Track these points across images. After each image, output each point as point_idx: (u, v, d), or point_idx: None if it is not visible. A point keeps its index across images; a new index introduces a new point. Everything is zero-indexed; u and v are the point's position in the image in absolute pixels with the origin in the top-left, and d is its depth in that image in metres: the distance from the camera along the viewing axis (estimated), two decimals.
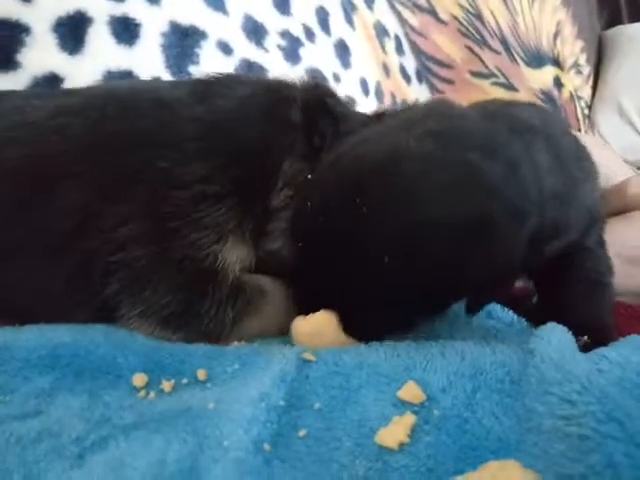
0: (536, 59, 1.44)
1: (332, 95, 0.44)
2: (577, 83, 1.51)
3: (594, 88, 1.60)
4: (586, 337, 0.37)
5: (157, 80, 0.57)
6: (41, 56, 0.54)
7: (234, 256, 0.37)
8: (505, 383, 0.29)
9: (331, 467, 0.26)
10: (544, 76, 1.43)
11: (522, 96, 1.36)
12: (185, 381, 0.32)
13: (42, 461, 0.26)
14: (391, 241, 0.32)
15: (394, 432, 0.27)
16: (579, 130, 1.50)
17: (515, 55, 1.38)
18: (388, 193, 0.33)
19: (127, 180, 0.36)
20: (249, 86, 0.42)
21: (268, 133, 0.39)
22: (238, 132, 0.39)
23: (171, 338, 0.36)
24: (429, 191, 0.33)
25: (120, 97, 0.41)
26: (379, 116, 0.45)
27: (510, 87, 1.35)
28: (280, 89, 0.42)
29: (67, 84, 0.54)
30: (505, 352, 0.32)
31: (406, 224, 0.32)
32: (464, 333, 0.38)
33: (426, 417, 0.28)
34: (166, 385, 0.31)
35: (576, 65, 1.53)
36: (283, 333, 0.37)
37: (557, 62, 1.48)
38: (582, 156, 0.42)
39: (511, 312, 0.43)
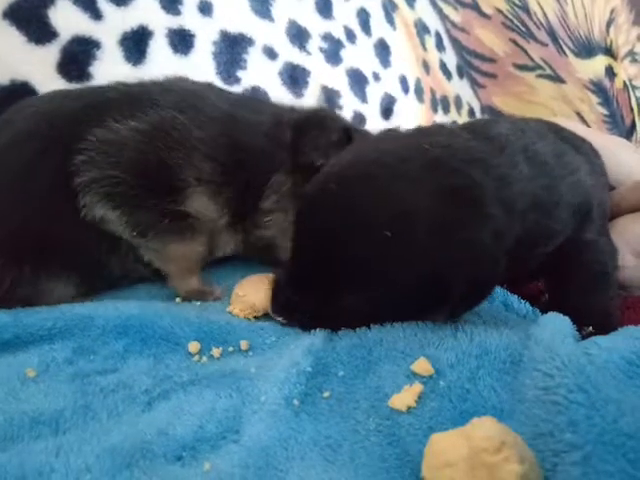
0: (586, 49, 1.40)
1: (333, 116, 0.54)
2: (632, 72, 1.46)
3: None
4: (591, 328, 0.40)
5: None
6: (109, 68, 0.60)
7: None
8: (507, 363, 0.33)
9: (349, 422, 0.31)
10: (595, 66, 1.39)
11: (569, 87, 1.34)
12: (231, 349, 0.38)
13: (120, 406, 0.33)
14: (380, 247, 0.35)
15: (404, 398, 0.32)
16: (633, 121, 1.45)
17: (563, 46, 1.35)
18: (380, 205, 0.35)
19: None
20: (264, 115, 0.52)
21: (264, 152, 0.50)
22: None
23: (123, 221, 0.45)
24: (418, 207, 0.35)
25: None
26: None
27: (556, 79, 1.33)
28: (283, 114, 0.52)
29: None
30: (510, 336, 0.35)
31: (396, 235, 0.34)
32: (479, 318, 0.42)
33: (433, 387, 0.32)
34: (215, 351, 0.38)
35: (631, 53, 1.48)
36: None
37: (609, 51, 1.43)
38: (563, 152, 0.43)
39: (527, 305, 0.46)
